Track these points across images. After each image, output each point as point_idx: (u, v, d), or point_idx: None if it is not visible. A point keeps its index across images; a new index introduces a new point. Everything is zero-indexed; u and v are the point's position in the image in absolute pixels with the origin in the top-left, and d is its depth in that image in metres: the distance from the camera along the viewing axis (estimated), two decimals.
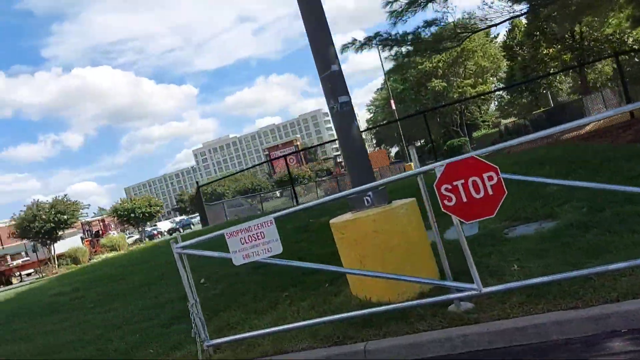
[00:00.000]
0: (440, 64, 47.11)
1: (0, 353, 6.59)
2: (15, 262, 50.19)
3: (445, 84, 47.21)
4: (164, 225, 58.08)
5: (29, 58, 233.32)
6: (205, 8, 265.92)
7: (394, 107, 43.57)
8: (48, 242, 31.48)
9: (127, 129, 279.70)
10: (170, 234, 48.25)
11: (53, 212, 30.94)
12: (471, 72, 48.88)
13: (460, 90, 48.00)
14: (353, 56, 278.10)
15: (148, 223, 41.04)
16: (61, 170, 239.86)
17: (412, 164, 30.40)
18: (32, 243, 33.69)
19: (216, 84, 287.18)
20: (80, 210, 32.96)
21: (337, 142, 5.77)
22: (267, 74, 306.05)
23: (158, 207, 39.79)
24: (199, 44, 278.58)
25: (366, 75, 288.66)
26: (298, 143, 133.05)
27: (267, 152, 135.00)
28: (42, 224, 30.58)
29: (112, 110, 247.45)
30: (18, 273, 41.40)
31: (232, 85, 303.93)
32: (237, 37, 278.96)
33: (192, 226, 63.58)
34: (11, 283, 40.30)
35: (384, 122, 54.23)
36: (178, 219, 64.71)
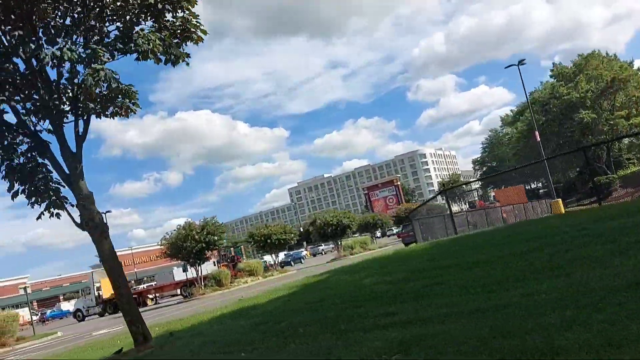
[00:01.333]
0: (589, 94, 43.44)
1: None
2: (141, 286, 52.05)
3: (595, 116, 43.30)
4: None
5: (139, 102, 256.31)
6: (298, 55, 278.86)
7: (538, 139, 40.58)
8: (198, 262, 31.90)
9: (221, 168, 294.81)
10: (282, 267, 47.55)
11: (205, 233, 31.42)
12: (623, 103, 44.57)
13: (610, 122, 43.77)
14: (444, 100, 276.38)
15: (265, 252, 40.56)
16: (160, 207, 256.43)
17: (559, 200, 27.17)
18: (182, 263, 34.31)
19: (306, 126, 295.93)
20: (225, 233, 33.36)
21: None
22: (356, 117, 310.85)
23: (292, 235, 39.44)
24: (291, 88, 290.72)
25: (455, 119, 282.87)
26: (398, 183, 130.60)
27: (366, 192, 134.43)
28: (193, 244, 31.05)
29: (209, 151, 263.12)
30: (153, 295, 42.68)
31: (321, 128, 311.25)
32: (327, 82, 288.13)
33: (302, 261, 62.82)
34: (146, 304, 41.52)
35: (529, 161, 50.37)
36: (290, 252, 64.24)
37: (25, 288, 39.11)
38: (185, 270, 34.41)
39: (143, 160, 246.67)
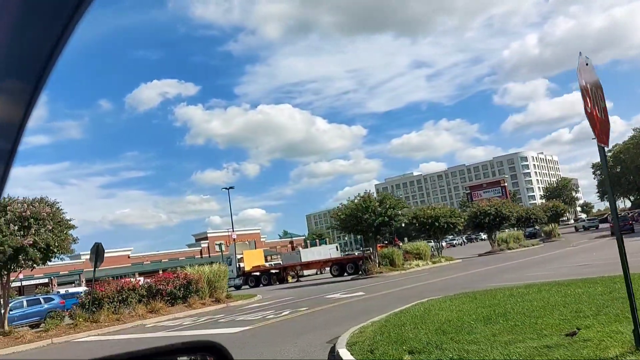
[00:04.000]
0: None
1: None
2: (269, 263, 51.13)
3: None
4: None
5: (224, 94, 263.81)
6: (382, 53, 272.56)
7: None
8: (378, 237, 29.47)
9: (297, 163, 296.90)
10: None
11: (386, 206, 28.88)
12: None
13: None
14: (533, 106, 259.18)
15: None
16: (237, 196, 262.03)
17: None
18: (359, 237, 32.08)
19: (384, 125, 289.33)
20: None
21: None
22: (437, 119, 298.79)
23: (460, 219, 36.06)
24: (373, 87, 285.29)
25: (544, 126, 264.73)
26: (505, 184, 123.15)
27: (468, 191, 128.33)
28: (374, 217, 28.57)
29: (287, 145, 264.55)
30: (294, 272, 41.14)
31: (400, 128, 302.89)
32: (410, 82, 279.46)
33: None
34: (287, 281, 40.08)
35: None
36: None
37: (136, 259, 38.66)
38: (362, 245, 32.07)
39: (224, 150, 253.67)
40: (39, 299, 31.54)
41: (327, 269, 39.46)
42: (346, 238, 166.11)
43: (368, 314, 11.53)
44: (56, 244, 15.46)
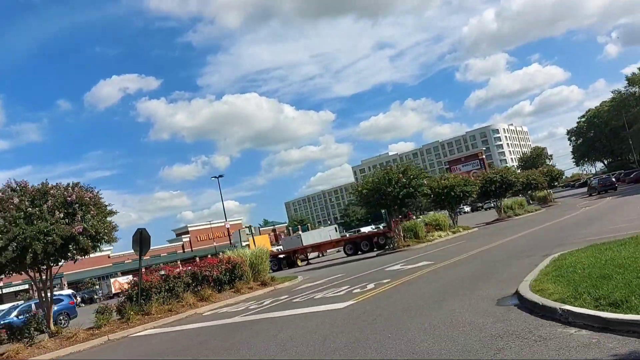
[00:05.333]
0: None
1: None
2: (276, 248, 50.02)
3: None
4: None
5: (187, 86, 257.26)
6: (345, 36, 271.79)
7: None
8: (404, 210, 28.58)
9: (267, 152, 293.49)
10: None
11: (410, 177, 28.01)
12: None
13: None
14: (494, 80, 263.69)
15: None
16: (208, 189, 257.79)
17: None
18: (383, 211, 31.16)
19: (352, 109, 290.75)
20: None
21: None
22: (403, 99, 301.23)
23: (475, 187, 35.62)
24: (338, 70, 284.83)
25: (505, 99, 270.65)
26: (482, 156, 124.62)
27: (448, 166, 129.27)
28: (398, 190, 27.65)
29: (256, 135, 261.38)
30: (304, 255, 40.07)
31: (368, 111, 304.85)
32: (374, 64, 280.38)
33: None
34: (297, 265, 39.02)
35: None
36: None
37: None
38: (386, 219, 31.21)
39: (191, 143, 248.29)
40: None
41: (326, 250, 39.35)
42: (328, 222, 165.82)
43: (483, 280, 10.64)
44: (105, 231, 13.91)
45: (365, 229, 66.20)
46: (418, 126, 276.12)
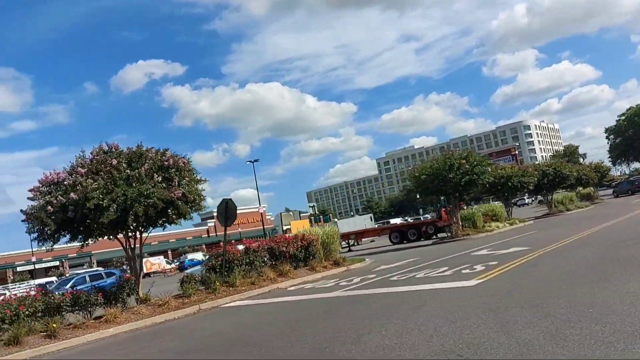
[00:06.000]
0: None
1: None
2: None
3: None
4: None
5: (211, 73, 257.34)
6: (370, 28, 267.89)
7: None
8: (465, 197, 27.73)
9: (288, 142, 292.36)
10: None
11: (473, 163, 27.10)
12: None
13: None
14: (522, 77, 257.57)
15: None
16: (228, 177, 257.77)
17: None
18: (442, 198, 30.40)
19: (374, 101, 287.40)
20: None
21: None
22: (427, 93, 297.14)
23: (533, 179, 34.54)
24: (361, 62, 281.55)
25: (533, 96, 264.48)
26: (515, 152, 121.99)
27: None
28: (459, 177, 26.77)
29: (277, 124, 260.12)
30: (352, 241, 39.45)
31: (390, 104, 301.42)
32: (399, 56, 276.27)
33: None
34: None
35: None
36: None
37: None
38: (444, 207, 30.43)
39: (213, 130, 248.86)
40: (100, 273, 29.72)
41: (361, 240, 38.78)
42: (351, 213, 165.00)
43: (627, 264, 9.88)
44: (201, 198, 13.52)
45: (394, 221, 65.44)
46: (442, 120, 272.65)
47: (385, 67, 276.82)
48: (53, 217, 12.17)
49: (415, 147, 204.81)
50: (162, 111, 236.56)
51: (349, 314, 9.03)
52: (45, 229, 12.53)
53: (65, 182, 12.74)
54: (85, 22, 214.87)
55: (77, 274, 37.65)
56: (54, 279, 63.35)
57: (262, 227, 75.53)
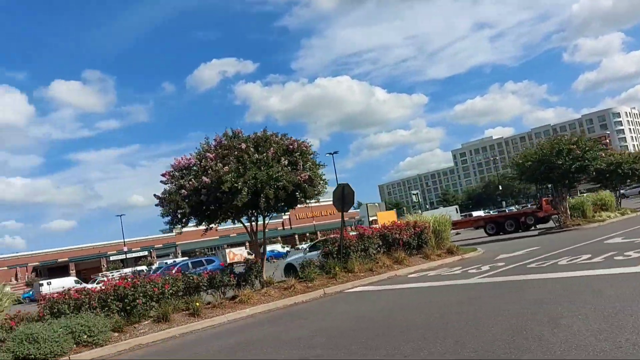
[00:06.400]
0: None
1: None
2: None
3: None
4: None
5: (281, 69, 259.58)
6: (442, 17, 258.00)
7: None
8: (575, 185, 25.97)
9: (357, 135, 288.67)
10: None
11: (584, 148, 25.18)
12: None
13: None
14: (607, 62, 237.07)
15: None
16: None
17: None
18: (549, 186, 28.72)
19: (446, 92, 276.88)
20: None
21: None
22: (503, 82, 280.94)
23: None
24: (432, 53, 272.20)
25: (619, 83, 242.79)
26: (607, 140, 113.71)
27: None
28: (569, 163, 24.96)
29: (346, 118, 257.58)
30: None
31: (463, 94, 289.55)
32: (472, 45, 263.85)
33: None
34: None
35: None
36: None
37: None
38: (549, 194, 28.71)
39: (283, 126, 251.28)
40: (201, 260, 30.91)
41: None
42: (427, 206, 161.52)
43: None
44: (325, 181, 13.44)
45: (476, 214, 62.98)
46: (519, 110, 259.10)
47: (458, 57, 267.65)
48: (187, 200, 12.52)
49: (494, 137, 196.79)
50: (235, 108, 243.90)
51: (512, 299, 8.43)
52: (178, 212, 12.93)
53: (194, 167, 13.10)
54: (163, 24, 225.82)
55: (174, 262, 39.49)
56: (144, 267, 67.07)
57: (338, 220, 75.73)
